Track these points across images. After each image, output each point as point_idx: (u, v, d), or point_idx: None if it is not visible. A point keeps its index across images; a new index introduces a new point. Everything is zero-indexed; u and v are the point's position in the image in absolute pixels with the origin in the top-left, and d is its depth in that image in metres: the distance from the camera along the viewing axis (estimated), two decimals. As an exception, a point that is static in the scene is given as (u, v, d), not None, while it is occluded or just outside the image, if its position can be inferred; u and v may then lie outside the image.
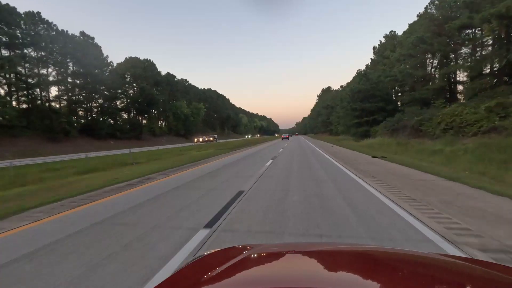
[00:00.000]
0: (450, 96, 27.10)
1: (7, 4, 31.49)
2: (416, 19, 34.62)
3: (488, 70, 20.50)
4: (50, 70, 37.94)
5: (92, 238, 3.45)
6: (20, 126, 29.01)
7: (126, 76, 53.18)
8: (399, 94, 36.12)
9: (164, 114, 65.16)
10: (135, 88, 53.53)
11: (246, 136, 79.87)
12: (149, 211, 4.69)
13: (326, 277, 0.82)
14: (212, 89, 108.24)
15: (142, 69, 54.96)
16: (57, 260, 2.82)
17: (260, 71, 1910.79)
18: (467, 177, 7.04)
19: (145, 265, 2.62)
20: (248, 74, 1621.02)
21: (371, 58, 44.91)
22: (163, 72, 69.49)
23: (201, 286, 0.77)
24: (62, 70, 38.99)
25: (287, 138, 56.61)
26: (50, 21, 37.22)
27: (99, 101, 46.44)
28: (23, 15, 33.77)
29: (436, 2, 29.02)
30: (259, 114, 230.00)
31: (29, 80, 33.99)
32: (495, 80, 19.58)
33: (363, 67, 49.79)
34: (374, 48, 45.06)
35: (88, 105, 43.45)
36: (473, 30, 22.70)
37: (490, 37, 19.52)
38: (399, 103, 35.00)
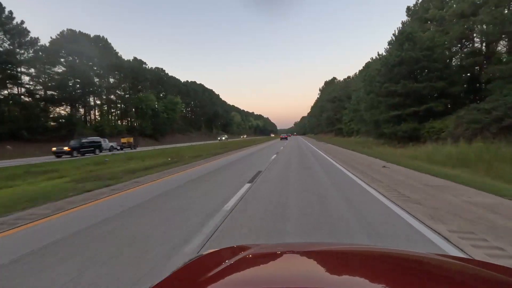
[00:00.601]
0: None
1: None
2: None
3: None
4: None
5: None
6: None
7: (62, 54, 38.57)
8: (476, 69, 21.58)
9: (120, 108, 50.45)
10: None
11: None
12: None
13: (325, 277, 0.81)
14: (198, 82, 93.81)
15: (84, 47, 40.28)
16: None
17: (258, 70, 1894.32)
18: None
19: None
20: (246, 74, 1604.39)
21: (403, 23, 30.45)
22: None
23: (199, 286, 0.76)
24: None
25: (286, 138, 58.05)
26: None
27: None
28: None
29: None
30: (255, 113, 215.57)
31: None
32: None
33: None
34: (408, 9, 30.74)
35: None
36: None
37: None
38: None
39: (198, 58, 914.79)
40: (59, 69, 37.09)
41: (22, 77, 33.13)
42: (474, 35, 21.58)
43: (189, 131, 79.44)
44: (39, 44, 35.05)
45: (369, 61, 42.08)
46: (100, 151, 25.14)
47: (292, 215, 3.82)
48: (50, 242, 3.14)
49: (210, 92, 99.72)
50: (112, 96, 49.10)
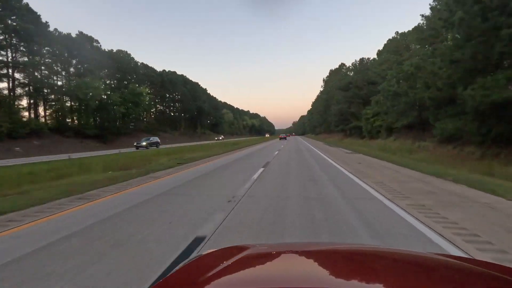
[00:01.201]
0: None
1: None
2: None
3: None
4: None
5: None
6: None
7: None
8: None
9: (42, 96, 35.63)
10: None
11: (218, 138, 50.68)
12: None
13: (324, 277, 0.81)
14: (179, 72, 78.85)
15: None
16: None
17: (256, 69, 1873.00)
18: None
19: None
20: (244, 73, 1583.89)
21: None
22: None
23: (198, 287, 0.76)
24: None
25: (285, 138, 57.46)
26: None
27: None
28: None
29: None
30: (250, 112, 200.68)
31: None
32: None
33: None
34: None
35: None
36: None
37: None
38: None
39: (193, 56, 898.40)
40: None
41: None
42: None
43: (163, 131, 64.56)
44: None
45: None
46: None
47: None
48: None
49: (194, 85, 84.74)
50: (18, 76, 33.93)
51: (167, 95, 70.35)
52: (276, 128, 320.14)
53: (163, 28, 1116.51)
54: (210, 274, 0.82)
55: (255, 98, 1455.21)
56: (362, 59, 41.29)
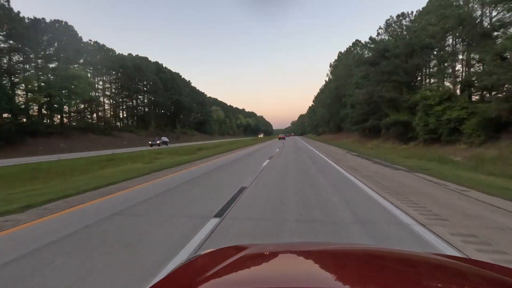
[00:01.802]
0: None
1: None
2: None
3: None
4: None
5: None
6: None
7: None
8: None
9: None
10: None
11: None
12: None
13: (322, 277, 0.81)
14: (151, 59, 64.01)
15: None
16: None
17: (254, 69, 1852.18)
18: None
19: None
20: (243, 72, 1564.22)
21: None
22: None
23: (196, 287, 0.75)
24: None
25: (284, 138, 56.45)
26: None
27: None
28: None
29: None
30: (246, 110, 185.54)
31: None
32: None
33: None
34: None
35: None
36: None
37: None
38: None
39: (187, 53, 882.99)
40: None
41: None
42: None
43: (129, 130, 49.79)
44: None
45: None
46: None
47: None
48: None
49: (172, 75, 69.86)
50: None
51: (133, 85, 55.37)
52: (274, 128, 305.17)
53: (159, 23, 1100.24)
54: (208, 274, 0.82)
55: (254, 97, 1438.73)
56: (401, 15, 26.79)
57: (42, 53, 35.62)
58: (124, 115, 57.21)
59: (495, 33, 16.89)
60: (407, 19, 27.43)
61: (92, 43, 48.05)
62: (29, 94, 30.98)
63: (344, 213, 4.13)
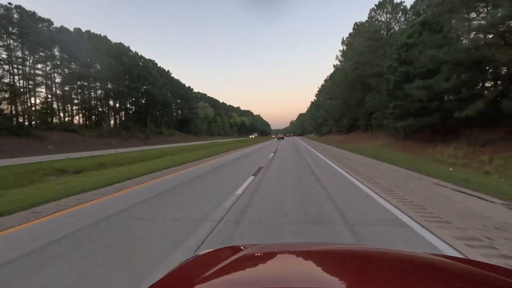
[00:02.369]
0: None
1: None
2: None
3: None
4: None
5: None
6: None
7: None
8: None
9: None
10: None
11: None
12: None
13: (321, 278, 0.81)
14: (112, 40, 50.48)
15: None
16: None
17: (252, 68, 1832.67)
18: None
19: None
20: (241, 71, 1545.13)
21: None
22: None
23: (195, 287, 0.76)
24: None
25: (282, 138, 54.90)
26: None
27: None
28: None
29: None
30: (241, 108, 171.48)
31: None
32: None
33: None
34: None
35: None
36: None
37: None
38: None
39: (186, 53, 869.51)
40: None
41: None
42: None
43: (57, 128, 36.14)
44: None
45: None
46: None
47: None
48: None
49: (143, 60, 56.19)
50: None
51: (78, 69, 41.59)
52: (272, 128, 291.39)
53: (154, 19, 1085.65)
54: (206, 274, 0.81)
55: (253, 97, 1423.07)
56: None
57: None
58: (71, 109, 43.46)
59: None
60: None
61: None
62: None
63: None
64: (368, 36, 28.72)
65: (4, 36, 32.51)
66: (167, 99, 59.39)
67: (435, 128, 17.24)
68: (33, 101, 36.73)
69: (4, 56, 32.38)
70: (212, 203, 4.61)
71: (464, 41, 14.01)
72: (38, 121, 34.69)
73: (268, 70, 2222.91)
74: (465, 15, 14.48)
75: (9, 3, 33.39)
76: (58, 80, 40.04)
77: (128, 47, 53.73)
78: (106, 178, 7.82)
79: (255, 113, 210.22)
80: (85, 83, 42.49)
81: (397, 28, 28.43)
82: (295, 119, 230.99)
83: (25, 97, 34.91)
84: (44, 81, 37.19)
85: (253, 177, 7.22)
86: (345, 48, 38.79)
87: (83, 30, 44.08)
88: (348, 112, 33.62)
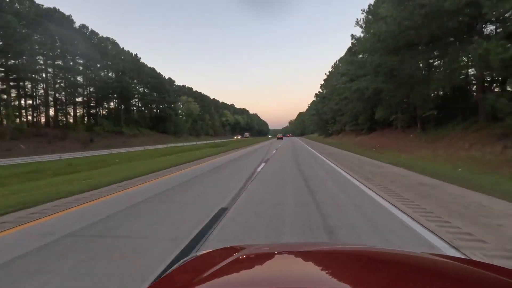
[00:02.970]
0: None
1: None
2: None
3: None
4: None
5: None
6: None
7: None
8: None
9: None
10: None
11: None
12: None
13: (319, 278, 0.81)
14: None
15: None
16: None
17: (252, 68, 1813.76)
18: None
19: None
20: (239, 70, 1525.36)
21: None
22: None
23: (194, 287, 0.75)
24: None
25: (281, 138, 55.86)
26: None
27: None
28: None
29: None
30: (235, 106, 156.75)
31: None
32: None
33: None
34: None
35: None
36: None
37: None
38: None
39: (185, 53, 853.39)
40: None
41: None
42: None
43: None
44: None
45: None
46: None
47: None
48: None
49: (84, 37, 41.74)
50: None
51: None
52: (270, 128, 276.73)
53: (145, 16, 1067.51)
54: (206, 274, 0.81)
55: (252, 97, 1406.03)
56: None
57: None
58: None
59: None
60: None
61: None
62: None
63: None
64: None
65: None
66: (126, 87, 44.92)
67: None
68: None
69: None
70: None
71: None
72: None
73: (267, 69, 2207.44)
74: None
75: None
76: None
77: (43, 6, 39.28)
78: None
79: (251, 112, 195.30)
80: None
81: None
82: (294, 118, 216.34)
83: None
84: None
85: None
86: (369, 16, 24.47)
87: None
88: (397, 93, 18.92)
